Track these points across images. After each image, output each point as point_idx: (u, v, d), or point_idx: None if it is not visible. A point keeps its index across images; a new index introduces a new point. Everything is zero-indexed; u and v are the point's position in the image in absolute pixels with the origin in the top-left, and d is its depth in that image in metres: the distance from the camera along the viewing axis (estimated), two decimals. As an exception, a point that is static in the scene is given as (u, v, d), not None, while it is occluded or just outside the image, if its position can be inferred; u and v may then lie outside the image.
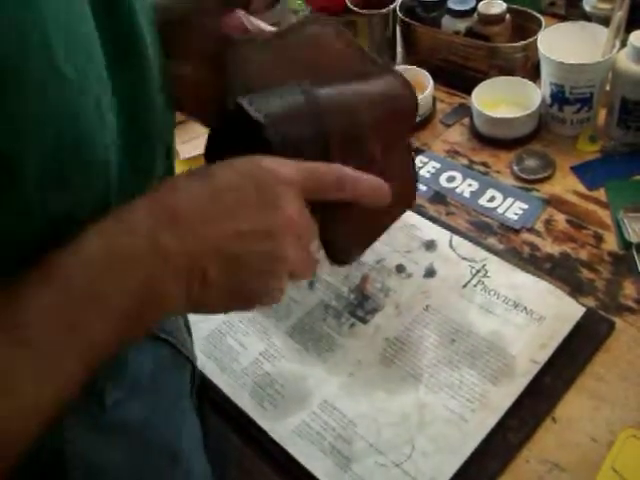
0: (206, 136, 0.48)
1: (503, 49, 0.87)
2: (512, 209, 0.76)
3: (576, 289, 0.66)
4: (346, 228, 0.47)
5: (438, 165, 0.84)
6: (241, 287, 0.39)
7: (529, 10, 0.90)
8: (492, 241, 0.73)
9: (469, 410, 0.58)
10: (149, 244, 0.35)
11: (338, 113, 0.44)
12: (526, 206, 0.76)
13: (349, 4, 0.94)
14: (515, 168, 0.80)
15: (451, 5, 0.91)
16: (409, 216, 0.76)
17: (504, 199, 0.77)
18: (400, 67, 0.94)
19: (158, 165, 0.43)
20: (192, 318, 0.63)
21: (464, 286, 0.68)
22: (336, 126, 0.44)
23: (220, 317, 0.70)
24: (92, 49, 0.34)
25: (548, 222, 0.74)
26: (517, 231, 0.74)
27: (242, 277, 0.38)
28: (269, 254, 0.38)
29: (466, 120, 0.89)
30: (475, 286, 0.67)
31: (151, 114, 0.41)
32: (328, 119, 0.43)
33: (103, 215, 0.35)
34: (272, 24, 0.52)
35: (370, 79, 0.47)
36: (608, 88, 0.79)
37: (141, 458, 0.49)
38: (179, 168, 0.47)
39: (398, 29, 0.98)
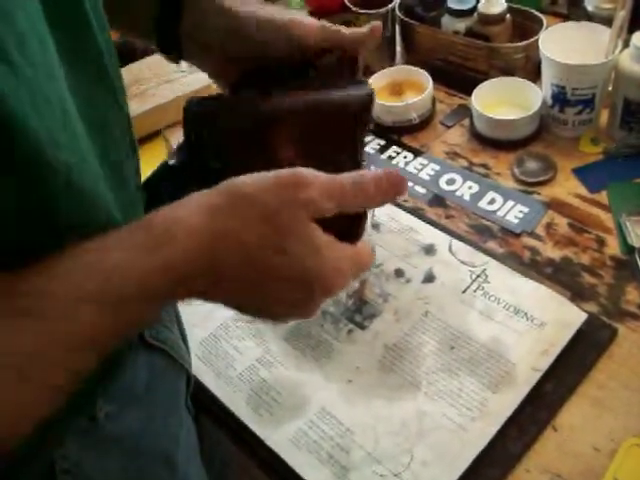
0: None
1: (503, 49, 0.86)
2: (512, 212, 0.75)
3: (578, 294, 0.65)
4: None
5: (437, 167, 0.82)
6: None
7: (530, 9, 0.89)
8: (492, 245, 0.72)
9: (469, 419, 0.57)
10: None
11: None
12: (527, 209, 0.75)
13: (347, 3, 0.93)
14: (516, 170, 0.79)
15: (451, 4, 0.90)
16: (408, 219, 0.75)
17: (504, 202, 0.76)
18: (399, 67, 0.93)
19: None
20: (187, 323, 0.62)
21: (464, 291, 0.66)
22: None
23: (216, 322, 0.69)
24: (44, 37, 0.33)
25: (549, 226, 0.73)
26: (517, 235, 0.72)
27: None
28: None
29: (466, 121, 0.87)
30: (475, 291, 0.66)
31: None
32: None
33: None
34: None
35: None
36: (610, 89, 0.78)
37: (137, 466, 0.49)
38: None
39: (397, 29, 0.96)
